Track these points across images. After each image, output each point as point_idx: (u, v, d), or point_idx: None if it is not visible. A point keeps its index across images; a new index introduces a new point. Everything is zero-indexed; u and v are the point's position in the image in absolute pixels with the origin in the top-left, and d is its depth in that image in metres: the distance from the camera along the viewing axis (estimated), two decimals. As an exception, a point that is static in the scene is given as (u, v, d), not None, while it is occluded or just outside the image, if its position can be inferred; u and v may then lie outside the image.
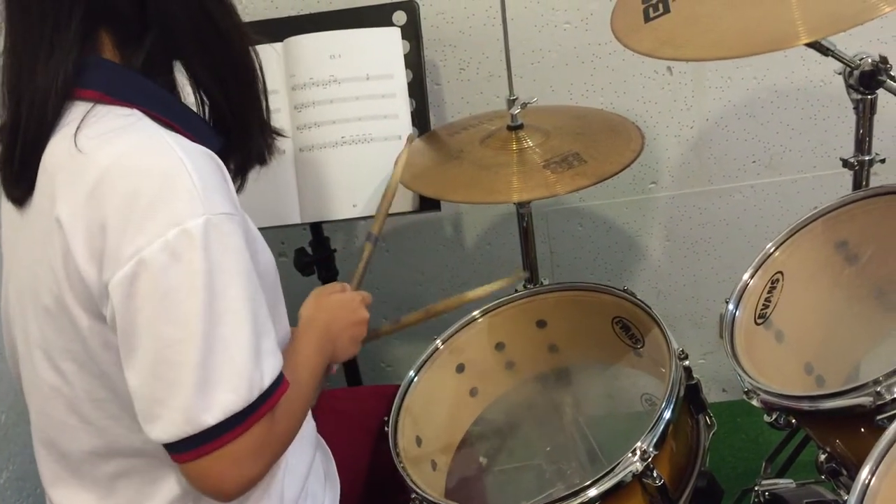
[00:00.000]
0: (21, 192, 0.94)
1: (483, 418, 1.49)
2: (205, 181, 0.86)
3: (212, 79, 1.00)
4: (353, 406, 1.44)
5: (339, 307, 1.17)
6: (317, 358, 1.07)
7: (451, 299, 1.34)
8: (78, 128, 0.88)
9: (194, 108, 1.01)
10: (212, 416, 0.84)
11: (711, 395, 2.13)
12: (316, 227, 1.73)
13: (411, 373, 1.38)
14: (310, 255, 1.74)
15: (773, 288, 1.28)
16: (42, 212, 0.90)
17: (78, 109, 0.91)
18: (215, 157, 0.92)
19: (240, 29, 1.01)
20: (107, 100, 0.91)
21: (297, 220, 1.62)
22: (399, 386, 1.38)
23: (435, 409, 1.42)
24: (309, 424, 1.16)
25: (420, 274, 2.07)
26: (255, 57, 1.03)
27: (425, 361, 1.41)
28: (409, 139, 1.55)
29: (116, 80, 0.93)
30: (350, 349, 1.16)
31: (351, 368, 1.82)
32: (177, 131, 0.92)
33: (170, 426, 0.85)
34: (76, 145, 0.87)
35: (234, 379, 0.86)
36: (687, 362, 1.25)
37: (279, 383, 0.91)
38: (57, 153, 0.89)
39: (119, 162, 0.86)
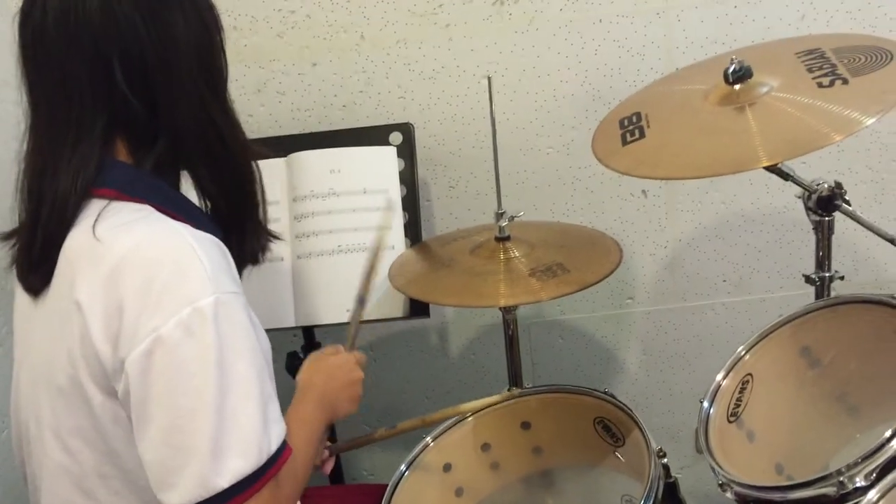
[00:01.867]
0: (39, 282, 1.02)
1: (468, 519, 1.53)
2: (213, 264, 0.95)
3: (214, 183, 1.10)
4: (340, 503, 1.48)
5: (336, 368, 1.24)
6: (316, 421, 1.14)
7: (447, 410, 1.42)
8: (96, 220, 0.97)
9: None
10: (224, 479, 0.90)
11: (689, 508, 2.16)
12: (308, 332, 1.80)
13: (402, 467, 1.43)
14: (301, 358, 1.79)
15: (743, 388, 1.35)
16: (61, 297, 0.98)
17: (95, 205, 0.99)
18: (220, 243, 1.01)
19: (243, 141, 1.11)
20: (121, 197, 1.00)
21: (292, 324, 1.69)
22: (383, 486, 1.43)
23: (422, 508, 1.46)
24: None
25: (406, 382, 2.12)
26: (256, 168, 1.14)
27: (415, 458, 1.45)
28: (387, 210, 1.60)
29: (130, 180, 1.02)
30: (348, 408, 1.22)
31: (335, 473, 1.85)
32: (183, 222, 1.00)
33: (185, 493, 0.90)
34: (95, 235, 0.95)
35: (245, 445, 0.92)
36: (665, 460, 1.32)
37: (284, 447, 0.97)
38: (77, 243, 0.98)
39: (135, 248, 0.94)
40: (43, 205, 0.99)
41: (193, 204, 1.09)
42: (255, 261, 1.16)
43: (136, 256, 0.94)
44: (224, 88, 1.08)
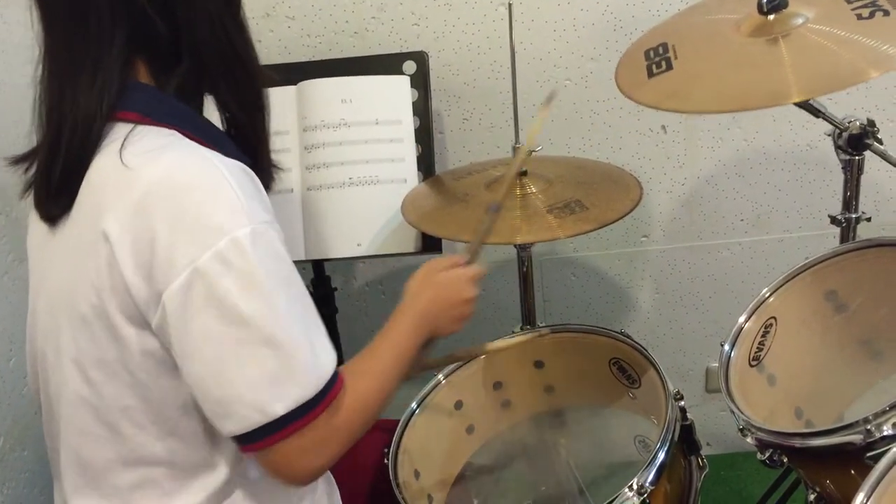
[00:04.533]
0: (59, 209, 0.97)
1: (478, 456, 1.52)
2: (246, 193, 0.91)
3: (238, 106, 1.05)
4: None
5: (448, 284, 1.17)
6: (408, 341, 1.09)
7: (475, 347, 1.40)
8: (122, 146, 0.92)
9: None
10: (282, 405, 0.89)
11: (696, 447, 2.16)
12: (318, 265, 1.77)
13: (413, 405, 1.42)
14: (311, 292, 1.77)
15: (766, 332, 1.33)
16: (84, 225, 0.94)
17: (119, 130, 0.95)
18: (249, 170, 0.97)
19: (258, 63, 1.07)
20: (146, 121, 0.95)
21: (302, 257, 1.66)
22: (394, 421, 1.41)
23: (433, 445, 1.44)
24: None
25: (415, 317, 2.10)
26: (266, 93, 1.09)
27: (427, 395, 1.44)
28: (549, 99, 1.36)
29: (155, 103, 0.97)
30: (452, 327, 1.16)
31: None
32: (211, 149, 0.97)
33: (242, 420, 0.89)
34: (122, 161, 0.91)
35: (300, 372, 0.90)
36: (682, 403, 1.30)
37: (336, 377, 0.94)
38: (103, 169, 0.93)
39: (165, 177, 0.90)
40: (64, 129, 0.94)
41: (220, 130, 1.04)
42: (267, 187, 1.11)
43: (166, 185, 0.90)
44: (239, 7, 1.03)
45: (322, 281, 1.78)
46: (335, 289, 1.80)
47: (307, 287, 1.70)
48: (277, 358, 0.89)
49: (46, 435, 1.10)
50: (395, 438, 1.37)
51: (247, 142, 1.06)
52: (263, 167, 1.10)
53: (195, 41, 0.97)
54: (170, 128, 0.96)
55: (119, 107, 0.95)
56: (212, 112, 1.06)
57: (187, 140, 0.96)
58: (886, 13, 1.21)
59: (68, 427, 1.01)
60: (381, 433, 1.43)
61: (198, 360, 0.89)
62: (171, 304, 0.88)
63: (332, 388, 0.94)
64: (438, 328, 1.14)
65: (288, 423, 0.90)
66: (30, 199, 1.03)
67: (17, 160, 1.03)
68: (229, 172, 0.91)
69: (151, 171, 0.90)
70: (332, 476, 1.24)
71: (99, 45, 0.93)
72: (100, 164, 0.94)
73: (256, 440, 0.91)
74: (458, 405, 1.50)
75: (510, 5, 1.46)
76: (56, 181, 0.96)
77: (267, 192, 1.10)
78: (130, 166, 0.91)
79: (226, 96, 1.04)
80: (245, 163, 0.98)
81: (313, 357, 0.92)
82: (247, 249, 0.88)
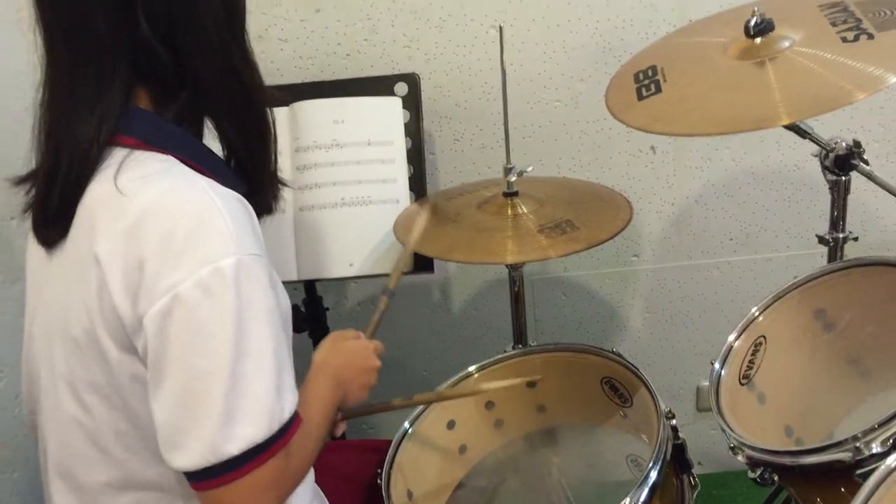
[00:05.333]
0: (56, 234, 0.98)
1: (471, 476, 1.52)
2: (237, 223, 0.91)
3: (237, 133, 1.05)
4: (344, 458, 1.47)
5: (353, 353, 1.21)
6: (328, 399, 1.11)
7: (465, 388, 1.45)
8: (118, 171, 0.93)
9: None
10: (235, 446, 0.88)
11: (687, 466, 2.17)
12: (310, 285, 1.77)
13: (406, 424, 1.42)
14: (303, 312, 1.78)
15: (756, 351, 1.34)
16: (78, 249, 0.94)
17: (117, 154, 0.95)
18: (244, 200, 0.97)
19: (262, 87, 1.07)
20: (143, 147, 0.96)
21: (294, 277, 1.66)
22: (387, 441, 1.41)
23: (425, 465, 1.44)
24: (309, 473, 1.19)
25: (407, 337, 2.11)
26: (271, 114, 1.10)
27: (419, 415, 1.44)
28: (426, 206, 1.57)
29: (153, 129, 0.98)
30: (359, 394, 1.19)
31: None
32: (207, 177, 0.97)
33: (193, 455, 0.88)
34: (117, 186, 0.92)
35: (257, 412, 0.89)
36: (674, 422, 1.30)
37: (295, 418, 0.95)
38: (98, 194, 0.94)
39: (158, 202, 0.90)
40: (62, 153, 0.95)
41: (218, 156, 1.05)
42: (269, 211, 1.12)
43: (158, 211, 0.90)
44: (244, 33, 1.03)
45: (314, 301, 1.78)
46: (327, 309, 1.80)
47: (298, 307, 1.74)
48: (238, 395, 0.88)
49: (40, 457, 1.09)
50: (388, 458, 1.36)
51: (244, 169, 1.07)
52: (264, 193, 1.10)
53: (197, 69, 0.98)
54: (167, 153, 0.97)
55: (118, 132, 0.95)
56: (213, 138, 1.07)
57: (183, 167, 0.96)
58: (871, 36, 1.23)
59: (61, 449, 1.01)
60: (374, 453, 1.43)
61: (166, 385, 0.89)
62: (150, 328, 0.88)
63: (289, 429, 0.94)
64: (348, 392, 1.17)
65: (241, 464, 0.89)
66: (27, 223, 1.03)
67: (17, 182, 1.03)
68: (222, 201, 0.92)
69: (144, 197, 0.91)
70: (324, 497, 1.25)
71: (101, 73, 0.94)
72: (95, 188, 0.94)
73: (204, 479, 0.90)
74: (451, 425, 1.50)
75: (501, 28, 1.48)
76: (54, 206, 0.97)
77: (270, 215, 1.12)
78: (124, 192, 0.91)
79: (225, 123, 1.05)
80: (241, 191, 0.99)
81: (276, 397, 0.92)
82: (228, 279, 0.88)
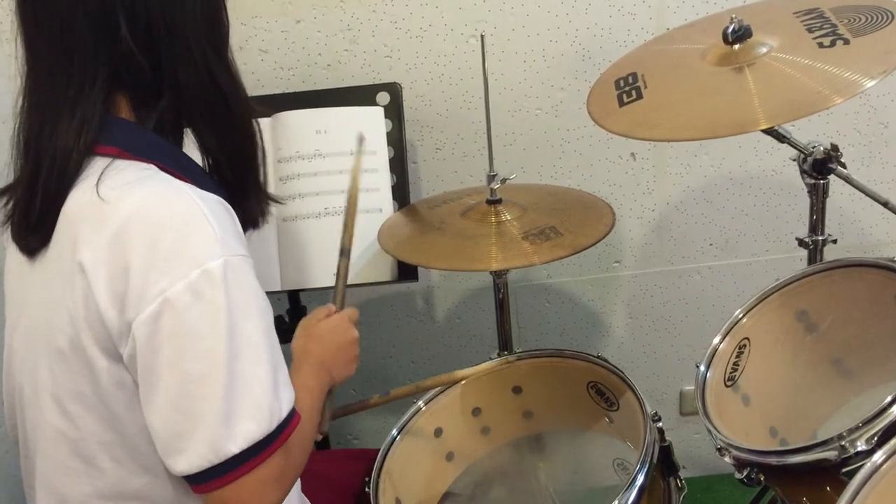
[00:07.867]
0: (37, 242, 0.97)
1: (459, 483, 1.52)
2: (221, 225, 0.92)
3: (217, 143, 1.06)
4: (330, 467, 1.46)
5: (329, 332, 1.19)
6: (316, 389, 1.11)
7: (441, 377, 1.42)
8: (99, 179, 0.93)
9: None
10: (235, 444, 0.88)
11: (672, 470, 2.18)
12: (294, 295, 1.77)
13: (394, 432, 1.42)
14: (287, 322, 1.77)
15: (740, 353, 1.35)
16: (61, 258, 0.94)
17: (97, 164, 0.95)
18: (226, 204, 0.97)
19: (244, 99, 1.07)
20: (125, 156, 0.96)
21: (278, 287, 1.66)
22: (373, 450, 1.41)
23: (413, 473, 1.44)
24: (296, 482, 1.18)
25: (391, 346, 2.11)
26: (256, 127, 1.10)
27: (407, 422, 1.44)
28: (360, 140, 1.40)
29: (133, 137, 0.98)
30: (348, 369, 1.19)
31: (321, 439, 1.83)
32: (189, 184, 0.97)
33: (194, 457, 0.88)
34: (98, 195, 0.92)
35: (256, 409, 0.90)
36: (660, 424, 1.31)
37: (294, 413, 0.95)
38: (79, 203, 0.94)
39: (141, 209, 0.90)
40: (42, 162, 0.94)
41: (198, 164, 1.05)
42: (255, 224, 1.12)
43: (142, 217, 0.90)
44: (226, 44, 1.04)
45: (298, 311, 1.78)
46: (311, 319, 1.80)
47: (282, 317, 1.74)
48: (236, 394, 0.89)
49: (23, 472, 1.08)
50: (376, 466, 1.36)
51: (225, 179, 1.07)
52: (249, 205, 1.10)
53: (177, 78, 0.98)
54: (148, 162, 0.97)
55: (98, 141, 0.95)
56: (194, 148, 1.07)
57: (164, 174, 0.96)
58: (847, 42, 1.25)
59: (46, 462, 1.00)
60: (361, 462, 1.43)
61: (161, 391, 0.89)
62: (140, 334, 0.88)
63: (288, 424, 0.94)
64: (335, 374, 1.17)
65: (242, 461, 0.90)
66: (6, 233, 1.03)
67: None
68: (206, 205, 0.92)
69: (127, 204, 0.91)
70: (312, 506, 1.24)
71: (81, 81, 0.94)
72: (77, 197, 0.94)
73: (207, 480, 0.90)
74: (438, 432, 1.50)
75: (482, 36, 1.49)
76: (34, 215, 0.96)
77: (256, 229, 1.11)
78: (106, 199, 0.91)
79: (205, 133, 1.05)
80: (223, 197, 0.99)
81: (274, 393, 0.92)
82: (218, 281, 0.88)
